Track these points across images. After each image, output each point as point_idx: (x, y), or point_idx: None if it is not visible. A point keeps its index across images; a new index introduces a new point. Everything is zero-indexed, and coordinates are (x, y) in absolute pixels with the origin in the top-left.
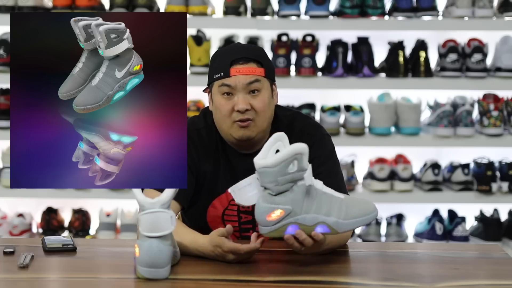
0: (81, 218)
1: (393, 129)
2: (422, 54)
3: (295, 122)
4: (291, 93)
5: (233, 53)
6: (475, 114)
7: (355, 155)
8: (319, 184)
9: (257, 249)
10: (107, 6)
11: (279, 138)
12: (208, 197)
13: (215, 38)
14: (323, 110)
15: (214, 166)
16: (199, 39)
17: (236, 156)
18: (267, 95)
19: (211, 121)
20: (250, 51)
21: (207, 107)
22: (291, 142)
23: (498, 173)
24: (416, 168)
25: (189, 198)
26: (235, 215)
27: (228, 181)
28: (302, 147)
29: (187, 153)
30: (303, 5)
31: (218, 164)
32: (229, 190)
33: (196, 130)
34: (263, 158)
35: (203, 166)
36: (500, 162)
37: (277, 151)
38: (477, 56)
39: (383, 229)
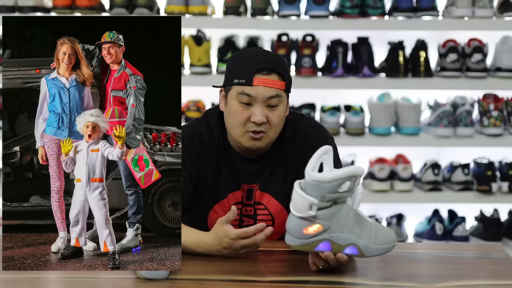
0: None
1: (393, 129)
2: (422, 54)
3: (299, 125)
4: (291, 93)
5: (258, 61)
6: (475, 114)
7: (355, 155)
8: (355, 204)
9: (263, 231)
10: (107, 6)
11: (326, 151)
12: (209, 202)
13: (215, 38)
14: (323, 110)
15: (216, 171)
16: (199, 39)
17: (240, 161)
18: (284, 110)
19: (214, 125)
20: (274, 61)
21: (209, 109)
22: (295, 145)
23: (498, 173)
24: (416, 168)
25: (186, 202)
26: (237, 219)
27: (230, 186)
28: (360, 170)
29: (188, 158)
30: (303, 5)
31: (220, 169)
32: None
33: (198, 134)
34: (313, 170)
35: (204, 171)
36: (500, 162)
37: (321, 163)
38: (477, 56)
39: None
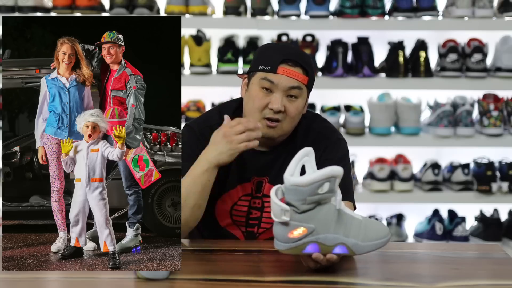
0: None
1: (393, 129)
2: (422, 54)
3: (314, 124)
4: None
5: (285, 53)
6: (475, 114)
7: (355, 155)
8: (340, 203)
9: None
10: (107, 6)
11: (307, 153)
12: (218, 191)
13: (215, 38)
14: (323, 110)
15: None
16: (199, 39)
17: (251, 153)
18: (302, 104)
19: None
20: (302, 56)
21: (228, 101)
22: (307, 143)
23: (498, 173)
24: (416, 168)
25: None
26: (245, 211)
27: (239, 178)
28: (337, 171)
29: (199, 151)
30: (303, 5)
31: None
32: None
33: (209, 127)
34: (292, 174)
35: None
36: (500, 162)
37: (303, 166)
38: (477, 56)
39: None
